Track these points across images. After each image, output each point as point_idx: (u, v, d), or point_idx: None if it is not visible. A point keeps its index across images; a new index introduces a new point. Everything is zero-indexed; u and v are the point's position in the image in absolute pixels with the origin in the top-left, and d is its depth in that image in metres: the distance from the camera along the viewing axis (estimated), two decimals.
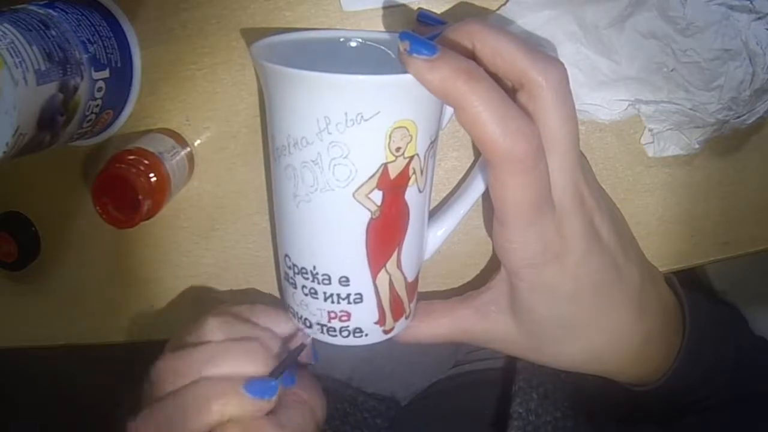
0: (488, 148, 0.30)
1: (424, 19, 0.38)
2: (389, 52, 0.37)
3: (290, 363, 0.36)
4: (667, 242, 0.43)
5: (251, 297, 0.45)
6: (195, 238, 0.45)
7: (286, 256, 0.36)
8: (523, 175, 0.30)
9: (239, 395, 0.33)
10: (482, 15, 0.39)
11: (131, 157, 0.39)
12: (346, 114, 0.30)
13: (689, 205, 0.43)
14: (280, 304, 0.41)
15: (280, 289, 0.39)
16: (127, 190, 0.38)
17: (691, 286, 0.41)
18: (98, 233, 0.45)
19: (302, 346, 0.37)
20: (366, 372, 0.51)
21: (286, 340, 0.38)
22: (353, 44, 0.38)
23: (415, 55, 0.29)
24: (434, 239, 0.39)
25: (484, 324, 0.37)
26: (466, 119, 0.30)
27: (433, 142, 0.34)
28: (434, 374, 0.54)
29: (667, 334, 0.39)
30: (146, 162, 0.39)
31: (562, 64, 0.32)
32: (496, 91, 0.30)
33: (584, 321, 0.36)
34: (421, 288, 0.39)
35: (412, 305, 0.38)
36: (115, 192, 0.38)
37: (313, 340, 0.38)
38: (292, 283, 0.36)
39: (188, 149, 0.43)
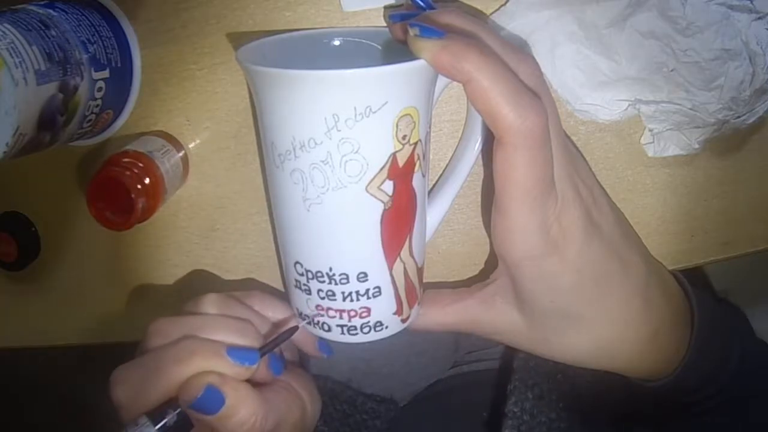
0: (500, 122, 0.30)
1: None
2: (372, 44, 0.38)
3: (280, 342, 0.36)
4: (667, 242, 0.43)
5: (250, 286, 0.45)
6: (195, 238, 0.45)
7: (297, 263, 0.36)
8: (533, 150, 0.31)
9: (221, 356, 0.34)
10: (481, 15, 0.39)
11: (125, 159, 0.39)
12: (355, 108, 0.30)
13: (689, 205, 0.43)
14: (276, 293, 0.41)
15: (288, 296, 0.39)
16: (121, 192, 0.38)
17: (691, 286, 0.41)
18: (98, 233, 0.45)
19: (294, 329, 0.37)
20: (365, 373, 0.51)
21: (279, 326, 0.39)
22: (337, 42, 0.38)
23: (427, 37, 0.30)
24: (432, 220, 0.39)
25: (490, 315, 0.38)
26: (477, 94, 0.30)
27: (430, 126, 0.35)
28: (433, 375, 0.54)
29: (676, 327, 0.39)
30: (140, 165, 0.39)
31: (533, 59, 0.33)
32: (505, 66, 0.30)
33: (589, 312, 0.36)
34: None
35: (422, 291, 0.38)
36: (109, 195, 0.38)
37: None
38: (305, 290, 0.36)
39: (183, 152, 0.43)
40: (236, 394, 0.33)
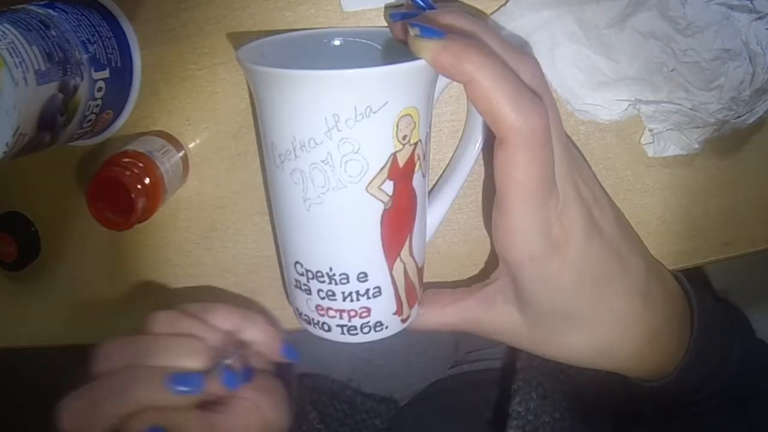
0: (501, 122, 0.30)
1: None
2: (372, 44, 0.38)
3: (228, 357, 0.34)
4: (667, 242, 0.43)
5: (251, 286, 0.45)
6: (195, 238, 0.45)
7: (297, 263, 0.36)
8: (534, 150, 0.31)
9: (161, 388, 0.32)
10: (481, 15, 0.39)
11: (125, 159, 0.39)
12: (355, 108, 0.30)
13: (689, 205, 0.43)
14: (240, 301, 0.41)
15: (288, 296, 0.39)
16: (120, 192, 0.38)
17: (691, 286, 0.41)
18: (98, 233, 0.45)
19: (247, 346, 0.36)
20: (365, 372, 0.51)
21: (237, 337, 0.37)
22: (337, 42, 0.38)
23: (427, 37, 0.30)
24: (432, 220, 0.39)
25: (491, 315, 0.38)
26: (478, 94, 0.30)
27: (430, 126, 0.35)
28: (433, 374, 0.54)
29: (676, 327, 0.39)
30: (140, 164, 0.39)
31: (533, 59, 0.33)
32: (506, 67, 0.30)
33: (589, 312, 0.36)
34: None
35: (422, 291, 0.38)
36: (109, 195, 0.38)
37: (292, 340, 0.37)
38: (305, 290, 0.36)
39: (183, 152, 0.43)
40: (181, 428, 0.32)
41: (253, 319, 0.37)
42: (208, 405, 0.34)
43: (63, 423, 0.34)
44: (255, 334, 0.37)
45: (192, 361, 0.34)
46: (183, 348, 0.34)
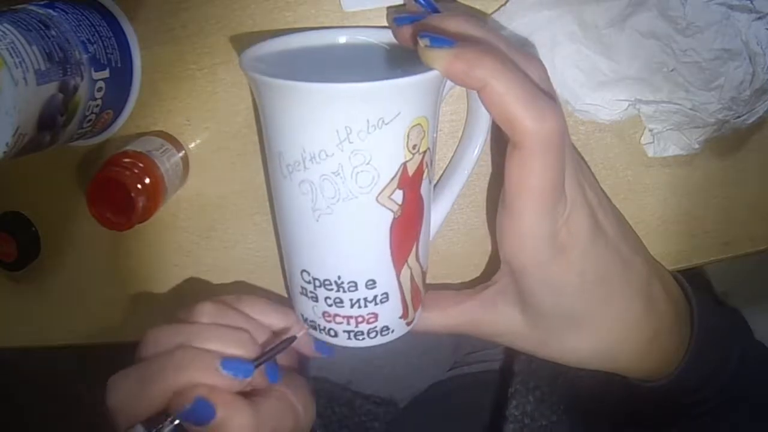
0: (518, 127, 0.30)
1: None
2: (376, 42, 0.37)
3: (275, 353, 0.36)
4: (667, 242, 0.43)
5: (250, 287, 0.45)
6: (195, 238, 0.45)
7: (304, 271, 0.35)
8: (549, 155, 0.30)
9: (214, 369, 0.34)
10: (481, 15, 0.39)
11: (126, 159, 0.39)
12: (368, 121, 0.30)
13: (689, 205, 0.43)
14: (270, 295, 0.41)
15: (293, 303, 0.39)
16: (121, 192, 0.38)
17: (691, 286, 0.41)
18: (98, 233, 0.45)
19: (292, 339, 0.37)
20: (365, 373, 0.51)
21: (276, 333, 0.39)
22: (340, 41, 0.38)
23: (438, 46, 0.30)
24: (434, 222, 0.39)
25: (492, 316, 0.37)
26: (493, 100, 0.29)
27: (437, 133, 0.35)
28: (433, 375, 0.55)
29: (677, 327, 0.39)
30: (141, 165, 0.39)
31: (540, 61, 0.33)
32: (519, 71, 0.30)
33: (590, 314, 0.36)
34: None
35: (425, 293, 0.38)
36: (109, 195, 0.38)
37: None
38: (312, 297, 0.36)
39: (183, 152, 0.43)
40: (227, 406, 0.33)
41: (290, 317, 0.39)
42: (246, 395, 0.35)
43: (111, 399, 0.35)
44: (278, 324, 0.39)
45: (242, 350, 0.35)
46: (234, 337, 0.36)
